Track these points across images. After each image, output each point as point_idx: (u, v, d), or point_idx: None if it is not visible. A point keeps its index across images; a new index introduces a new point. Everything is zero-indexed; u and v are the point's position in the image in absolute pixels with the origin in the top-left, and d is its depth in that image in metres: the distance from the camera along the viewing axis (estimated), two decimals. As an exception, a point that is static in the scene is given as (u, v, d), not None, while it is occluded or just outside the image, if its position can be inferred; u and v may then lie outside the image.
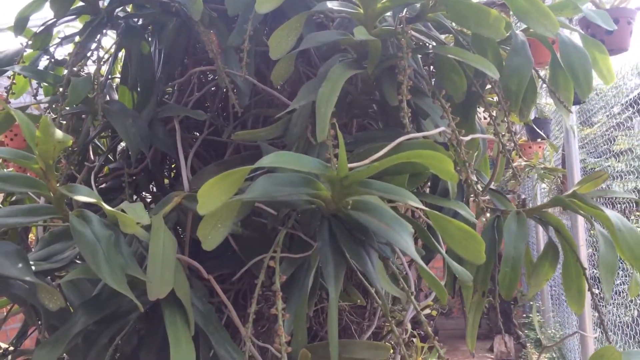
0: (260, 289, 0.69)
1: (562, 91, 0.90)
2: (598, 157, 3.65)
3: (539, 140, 3.29)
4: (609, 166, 3.32)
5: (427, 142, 0.66)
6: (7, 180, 0.61)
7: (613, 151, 3.45)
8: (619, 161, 3.34)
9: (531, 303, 4.81)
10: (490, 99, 0.98)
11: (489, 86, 0.92)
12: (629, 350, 0.60)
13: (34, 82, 1.07)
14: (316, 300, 0.96)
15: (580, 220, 2.55)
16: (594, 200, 0.86)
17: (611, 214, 0.80)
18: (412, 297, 0.64)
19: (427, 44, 0.79)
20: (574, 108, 3.03)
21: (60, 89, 0.88)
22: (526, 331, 4.93)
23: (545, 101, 3.47)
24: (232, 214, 0.62)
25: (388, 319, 0.68)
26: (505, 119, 0.85)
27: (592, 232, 2.86)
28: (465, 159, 0.72)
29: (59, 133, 0.54)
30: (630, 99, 3.42)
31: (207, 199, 0.55)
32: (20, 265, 0.64)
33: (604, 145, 3.60)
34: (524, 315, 5.21)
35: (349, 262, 0.69)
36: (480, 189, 0.86)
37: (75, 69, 0.89)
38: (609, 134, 3.67)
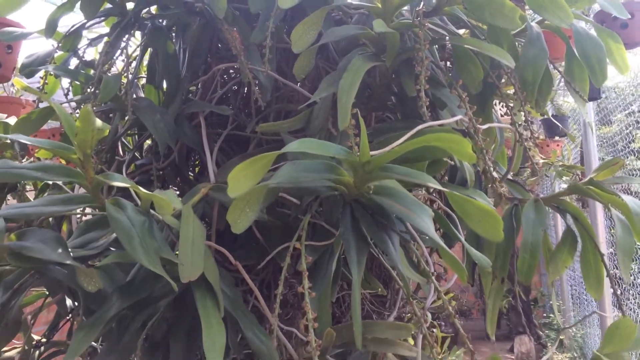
0: (285, 274, 0.72)
1: (577, 82, 0.91)
2: (616, 155, 3.63)
3: (556, 138, 3.28)
4: (627, 164, 3.30)
5: (445, 128, 0.69)
6: (47, 170, 0.65)
7: (632, 149, 3.43)
8: (638, 158, 3.32)
9: (551, 303, 4.78)
10: (507, 91, 1.00)
11: (504, 80, 0.94)
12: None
13: (65, 82, 1.11)
14: (338, 289, 0.98)
15: (599, 208, 2.55)
16: (611, 187, 0.88)
17: (628, 199, 0.82)
18: (433, 278, 0.67)
19: (444, 36, 0.81)
20: (591, 106, 3.03)
21: (90, 88, 0.92)
22: (547, 331, 4.90)
23: (563, 99, 3.46)
24: (259, 200, 0.64)
25: (409, 299, 0.70)
26: (522, 109, 0.88)
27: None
28: (483, 146, 0.74)
29: (98, 121, 0.58)
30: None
31: (236, 182, 0.58)
32: (60, 250, 0.67)
33: (622, 142, 3.58)
34: (545, 315, 5.18)
35: (370, 247, 0.72)
36: (498, 178, 0.88)
37: (104, 68, 0.93)
38: (627, 132, 3.65)
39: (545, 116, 2.97)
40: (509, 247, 0.92)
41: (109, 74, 0.90)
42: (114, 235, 0.75)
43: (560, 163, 3.27)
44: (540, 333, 5.05)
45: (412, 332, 0.76)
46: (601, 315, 2.48)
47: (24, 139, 0.62)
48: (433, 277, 0.67)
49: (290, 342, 0.83)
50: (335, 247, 0.77)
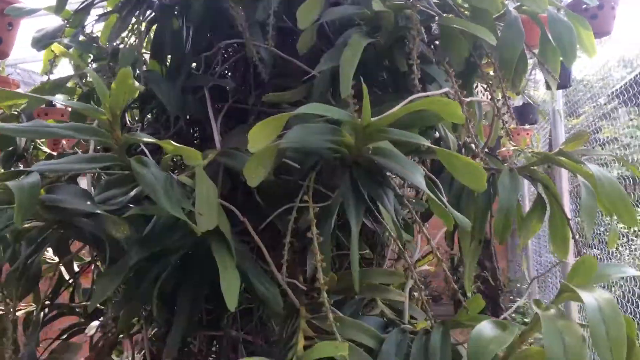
0: (293, 225, 0.80)
1: (550, 63, 1.01)
2: (584, 146, 3.78)
3: (527, 126, 3.42)
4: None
5: (435, 97, 0.77)
6: (78, 129, 0.72)
7: (599, 140, 3.59)
8: (603, 148, 3.48)
9: (518, 285, 4.97)
10: (487, 71, 1.09)
11: (485, 61, 1.04)
12: (607, 263, 0.71)
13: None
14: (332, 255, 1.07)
15: (565, 178, 2.71)
16: (578, 157, 0.98)
17: (593, 167, 0.92)
18: (422, 225, 0.76)
19: (434, 17, 0.90)
20: (560, 95, 3.16)
21: (92, 63, 0.98)
22: (514, 314, 5.08)
23: (533, 90, 3.61)
24: (271, 158, 0.72)
25: (399, 246, 0.79)
26: (500, 86, 0.97)
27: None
28: (467, 116, 0.83)
29: (135, 82, 0.65)
30: (617, 90, 3.56)
31: (256, 139, 0.66)
32: (88, 202, 0.74)
33: (590, 135, 3.73)
34: (512, 298, 5.36)
35: (366, 204, 0.80)
36: (478, 149, 0.98)
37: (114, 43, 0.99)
38: (595, 124, 3.82)
39: (516, 103, 3.10)
40: (486, 211, 1.02)
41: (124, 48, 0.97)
42: (132, 193, 0.82)
43: (530, 150, 3.41)
44: (508, 317, 5.23)
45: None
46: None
47: (60, 101, 0.69)
48: (422, 225, 0.76)
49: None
50: (333, 207, 0.85)
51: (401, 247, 0.79)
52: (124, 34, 1.08)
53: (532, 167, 1.03)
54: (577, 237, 1.00)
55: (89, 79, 1.13)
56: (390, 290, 0.85)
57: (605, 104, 3.96)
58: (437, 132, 0.99)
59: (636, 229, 2.90)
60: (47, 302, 1.21)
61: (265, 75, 0.95)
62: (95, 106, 0.72)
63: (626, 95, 3.34)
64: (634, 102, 3.25)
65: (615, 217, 0.90)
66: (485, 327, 0.65)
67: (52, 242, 0.86)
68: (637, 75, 3.29)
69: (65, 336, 1.20)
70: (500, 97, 0.97)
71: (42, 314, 1.19)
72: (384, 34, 0.87)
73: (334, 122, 0.76)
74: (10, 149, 1.17)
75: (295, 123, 0.82)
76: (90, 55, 1.00)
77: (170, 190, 0.72)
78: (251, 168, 0.70)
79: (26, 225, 0.84)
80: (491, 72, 1.03)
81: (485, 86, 1.04)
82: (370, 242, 1.20)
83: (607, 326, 0.57)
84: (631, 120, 3.78)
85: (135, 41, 0.99)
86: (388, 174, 0.80)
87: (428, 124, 0.81)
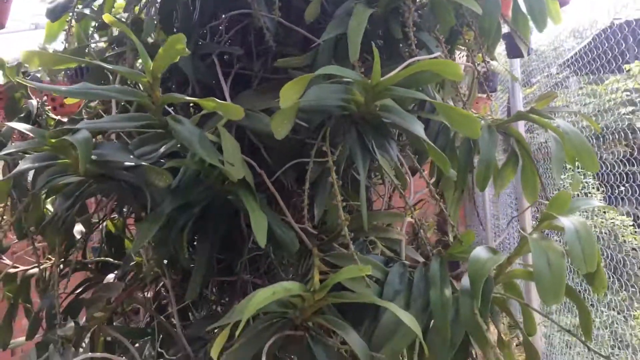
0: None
1: (520, 29, 1.14)
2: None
3: (486, 95, 3.60)
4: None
5: (435, 59, 0.89)
6: (121, 92, 0.81)
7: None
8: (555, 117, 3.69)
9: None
10: (467, 39, 1.21)
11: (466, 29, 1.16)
12: (577, 198, 0.85)
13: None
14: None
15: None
16: (548, 114, 1.12)
17: (560, 122, 1.06)
18: (421, 171, 0.88)
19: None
20: (518, 63, 3.33)
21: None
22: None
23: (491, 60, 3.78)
24: (294, 114, 0.83)
25: (399, 190, 0.92)
26: (480, 52, 1.10)
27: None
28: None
29: (185, 47, 0.74)
30: (568, 60, 3.75)
31: (286, 96, 0.76)
32: (131, 156, 0.84)
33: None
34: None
35: (370, 155, 0.92)
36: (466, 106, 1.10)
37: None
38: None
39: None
40: (466, 164, 1.15)
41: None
42: (162, 149, 0.91)
43: (490, 117, 3.59)
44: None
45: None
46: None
47: (106, 65, 0.78)
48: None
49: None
50: (340, 160, 0.96)
51: (401, 191, 0.91)
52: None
53: (506, 124, 1.17)
54: (544, 182, 1.15)
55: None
56: (391, 230, 0.98)
57: (557, 74, 4.17)
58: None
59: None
60: (62, 260, 1.29)
61: (272, 42, 1.05)
62: (138, 72, 0.80)
63: (576, 65, 3.52)
64: (584, 71, 3.44)
65: (578, 164, 1.05)
66: (481, 251, 0.78)
67: (85, 196, 0.95)
68: (586, 46, 3.49)
69: (79, 290, 1.29)
70: (480, 61, 1.10)
71: (57, 269, 1.28)
72: (382, 3, 0.97)
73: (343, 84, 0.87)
74: (22, 115, 1.24)
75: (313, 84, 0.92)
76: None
77: (205, 143, 0.82)
78: (278, 122, 0.81)
79: (63, 181, 0.93)
80: (471, 40, 1.16)
81: (465, 51, 1.16)
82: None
83: (582, 244, 0.70)
84: (581, 88, 4.00)
85: (143, 12, 1.07)
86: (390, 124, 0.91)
87: (429, 83, 0.93)
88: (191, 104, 1.26)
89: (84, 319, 1.10)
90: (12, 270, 1.25)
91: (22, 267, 1.29)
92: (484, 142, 1.09)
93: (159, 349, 1.07)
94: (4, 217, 1.15)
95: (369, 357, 0.78)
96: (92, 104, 1.37)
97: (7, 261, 1.27)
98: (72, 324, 0.98)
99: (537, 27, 1.06)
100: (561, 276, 0.68)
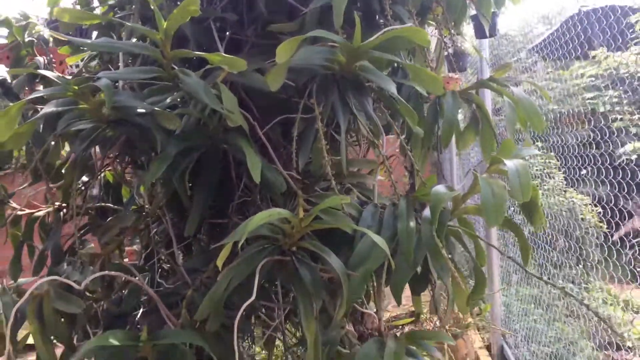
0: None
1: (483, 8, 1.30)
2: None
3: (456, 74, 3.77)
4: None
5: (407, 27, 1.04)
6: (136, 46, 0.94)
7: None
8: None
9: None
10: (436, 14, 1.36)
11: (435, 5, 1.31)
12: (520, 147, 1.01)
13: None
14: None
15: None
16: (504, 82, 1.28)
17: (514, 89, 1.23)
18: (394, 125, 1.03)
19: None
20: (487, 44, 3.50)
21: None
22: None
23: (461, 43, 3.95)
24: (285, 69, 0.97)
25: (375, 141, 1.07)
26: (447, 26, 1.25)
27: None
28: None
29: (197, 8, 0.87)
30: (536, 45, 3.94)
31: (281, 54, 0.90)
32: (144, 103, 0.97)
33: (512, 87, 4.11)
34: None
35: (350, 110, 1.07)
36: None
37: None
38: (516, 77, 4.20)
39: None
40: (433, 125, 1.31)
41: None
42: (168, 100, 1.04)
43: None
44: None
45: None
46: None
47: (127, 23, 0.90)
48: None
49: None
50: (323, 115, 1.11)
51: (376, 142, 1.07)
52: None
53: (469, 91, 1.32)
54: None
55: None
56: (366, 176, 1.13)
57: (526, 59, 4.36)
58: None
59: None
60: (64, 205, 1.42)
61: (266, 8, 1.18)
62: (150, 29, 0.93)
63: (545, 51, 3.69)
64: (552, 57, 3.61)
65: (529, 125, 1.21)
66: (441, 187, 0.94)
67: (98, 140, 1.08)
68: (553, 33, 3.67)
69: (81, 232, 1.42)
70: (447, 34, 1.25)
71: (61, 213, 1.40)
72: (362, -21, 1.12)
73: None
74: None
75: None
76: None
77: (209, 92, 0.95)
78: (273, 76, 0.95)
79: (76, 128, 1.05)
80: (439, 15, 1.31)
81: (434, 25, 1.31)
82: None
83: (520, 179, 0.87)
84: (548, 73, 4.20)
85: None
86: (367, 85, 1.06)
87: (402, 48, 1.08)
88: (186, 65, 1.39)
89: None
90: (20, 213, 1.37)
91: (27, 210, 1.41)
92: (448, 105, 1.25)
93: (159, 280, 1.21)
94: (20, 161, 1.27)
95: (346, 274, 0.93)
96: (92, 64, 1.48)
97: (15, 204, 1.39)
98: (92, 245, 1.12)
99: (496, 6, 1.22)
100: (502, 203, 0.84)
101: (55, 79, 0.95)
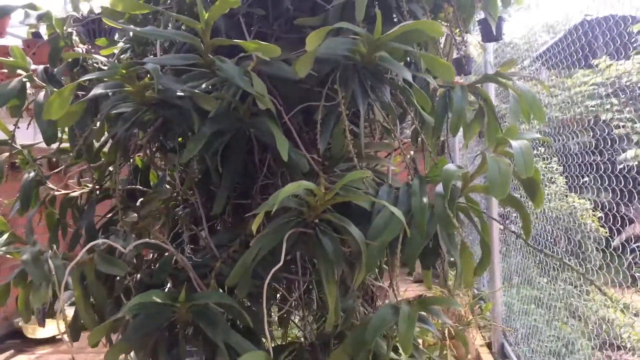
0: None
1: (490, 7, 1.40)
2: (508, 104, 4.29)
3: (462, 76, 3.88)
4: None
5: (422, 20, 1.14)
6: (178, 34, 1.04)
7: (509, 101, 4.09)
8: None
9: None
10: (447, 12, 1.47)
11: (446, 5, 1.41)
12: (523, 131, 1.11)
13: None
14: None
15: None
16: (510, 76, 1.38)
17: (519, 83, 1.33)
18: (409, 110, 1.13)
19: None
20: (491, 48, 3.61)
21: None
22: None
23: (464, 49, 4.07)
24: (313, 58, 1.07)
25: (390, 126, 1.17)
26: (458, 24, 1.35)
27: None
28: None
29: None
30: (540, 53, 4.04)
31: (310, 42, 1.00)
32: (184, 87, 1.07)
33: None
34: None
35: (369, 96, 1.17)
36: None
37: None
38: (519, 73, 4.29)
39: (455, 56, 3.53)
40: (443, 116, 1.41)
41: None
42: (203, 86, 1.15)
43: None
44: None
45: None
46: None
47: (171, 13, 1.00)
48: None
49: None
50: (341, 104, 1.21)
51: (392, 127, 1.17)
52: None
53: (476, 85, 1.43)
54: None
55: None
56: (382, 159, 1.23)
57: (529, 66, 4.47)
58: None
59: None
60: (97, 186, 1.52)
61: (290, 7, 1.29)
62: (191, 19, 1.04)
63: (549, 60, 3.79)
64: (551, 64, 3.71)
65: (531, 116, 1.31)
66: (451, 166, 1.04)
67: (139, 123, 1.18)
68: (557, 41, 3.77)
69: (111, 214, 1.52)
70: (457, 32, 1.35)
71: (94, 194, 1.50)
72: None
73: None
74: (70, 60, 1.45)
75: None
76: None
77: (243, 77, 1.06)
78: (301, 64, 1.05)
79: (117, 111, 1.16)
80: (450, 14, 1.41)
81: (446, 25, 1.42)
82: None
83: (524, 157, 0.97)
84: (551, 80, 4.31)
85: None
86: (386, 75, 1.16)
87: (418, 40, 1.18)
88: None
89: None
90: (57, 193, 1.47)
91: (63, 191, 1.51)
92: (457, 97, 1.35)
93: (188, 254, 1.31)
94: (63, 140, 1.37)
95: (365, 243, 1.03)
96: (123, 56, 1.59)
97: (51, 185, 1.49)
98: (135, 214, 1.22)
99: (503, 4, 1.32)
100: (507, 178, 0.94)
101: (107, 63, 1.05)
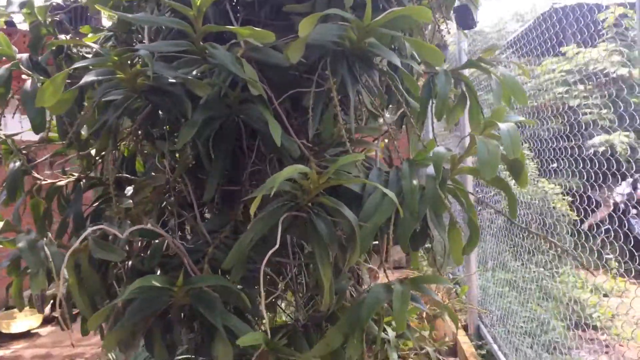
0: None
1: (472, -5, 1.44)
2: (481, 92, 4.37)
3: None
4: (488, 98, 4.04)
5: (409, 6, 1.17)
6: (171, 21, 1.04)
7: (491, 86, 4.17)
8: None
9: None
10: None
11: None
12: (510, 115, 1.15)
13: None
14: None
15: None
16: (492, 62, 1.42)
17: (500, 68, 1.37)
18: (399, 94, 1.16)
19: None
20: (465, 40, 3.66)
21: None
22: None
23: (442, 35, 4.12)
24: (304, 43, 1.09)
25: (379, 112, 1.20)
26: (440, 10, 1.38)
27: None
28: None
29: (231, -15, 0.98)
30: (510, 41, 4.12)
31: (303, 29, 1.02)
32: (176, 73, 1.08)
33: (485, 82, 4.29)
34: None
35: (358, 81, 1.19)
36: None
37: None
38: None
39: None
40: (427, 100, 1.44)
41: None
42: (194, 72, 1.15)
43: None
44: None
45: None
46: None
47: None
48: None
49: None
50: (328, 92, 1.23)
51: (380, 112, 1.19)
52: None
53: (459, 71, 1.46)
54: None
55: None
56: (370, 143, 1.26)
57: (500, 54, 4.54)
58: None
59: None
60: (83, 175, 1.51)
61: (276, -6, 1.30)
62: (182, 5, 1.04)
63: (518, 48, 3.86)
64: (521, 52, 3.79)
65: (513, 100, 1.35)
66: (441, 149, 1.08)
67: (130, 110, 1.18)
68: (525, 30, 3.85)
69: (98, 202, 1.52)
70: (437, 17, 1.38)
71: (81, 183, 1.50)
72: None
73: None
74: (54, 48, 1.43)
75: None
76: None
77: (235, 63, 1.07)
78: (293, 49, 1.07)
79: (107, 98, 1.16)
80: (433, 0, 1.44)
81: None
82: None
83: (511, 138, 1.00)
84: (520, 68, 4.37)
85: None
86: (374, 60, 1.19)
87: (406, 25, 1.20)
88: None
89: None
90: (43, 183, 1.46)
91: (49, 181, 1.50)
92: (441, 82, 1.39)
93: (179, 241, 1.32)
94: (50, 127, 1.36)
95: (358, 225, 1.06)
96: (107, 44, 1.58)
97: (37, 175, 1.48)
98: (130, 200, 1.22)
99: (484, -9, 1.36)
100: (496, 159, 0.98)
101: (99, 50, 1.05)
